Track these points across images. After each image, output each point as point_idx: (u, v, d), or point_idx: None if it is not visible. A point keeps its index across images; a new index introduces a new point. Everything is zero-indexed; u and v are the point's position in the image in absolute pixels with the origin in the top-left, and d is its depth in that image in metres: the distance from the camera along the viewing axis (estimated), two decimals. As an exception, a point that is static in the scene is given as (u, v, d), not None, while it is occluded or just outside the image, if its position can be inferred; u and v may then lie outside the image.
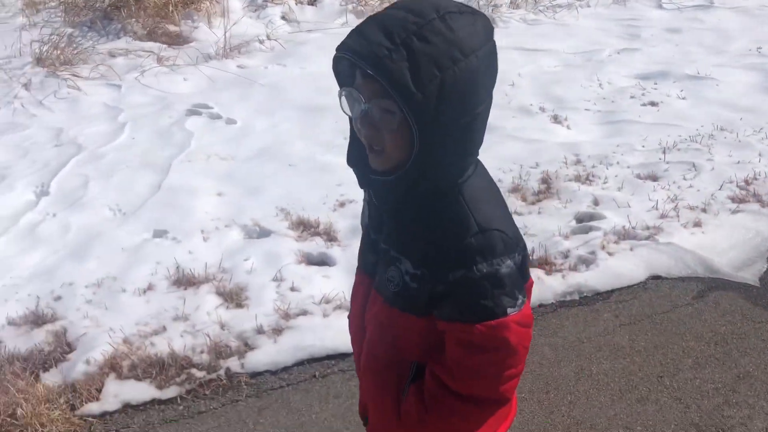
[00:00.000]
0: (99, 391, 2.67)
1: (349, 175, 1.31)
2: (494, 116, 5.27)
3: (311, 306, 3.03)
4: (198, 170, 4.16)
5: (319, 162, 4.18)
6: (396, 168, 1.16)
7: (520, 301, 1.20)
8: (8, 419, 2.53)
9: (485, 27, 1.12)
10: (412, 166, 1.12)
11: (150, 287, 3.17)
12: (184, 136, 4.57)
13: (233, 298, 3.09)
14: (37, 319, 3.00)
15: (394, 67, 1.03)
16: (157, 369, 2.74)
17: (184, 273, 3.22)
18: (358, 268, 1.46)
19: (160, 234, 3.57)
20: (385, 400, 1.37)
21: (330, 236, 3.51)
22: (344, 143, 1.32)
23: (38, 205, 3.87)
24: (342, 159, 1.44)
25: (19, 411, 2.54)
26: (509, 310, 1.18)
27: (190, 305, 3.04)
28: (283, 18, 6.67)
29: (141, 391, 2.67)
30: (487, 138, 1.22)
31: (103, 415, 2.59)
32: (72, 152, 4.41)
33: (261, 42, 6.02)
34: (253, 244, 3.48)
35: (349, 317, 1.55)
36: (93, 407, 2.61)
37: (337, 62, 1.16)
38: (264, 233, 3.57)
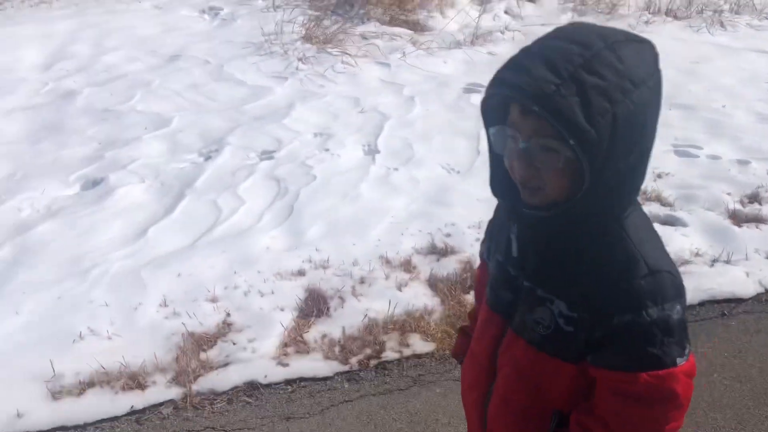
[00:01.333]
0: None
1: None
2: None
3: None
4: (506, 140, 4.57)
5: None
6: (553, 203, 1.07)
7: (687, 350, 1.10)
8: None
9: (653, 55, 1.05)
10: (576, 203, 1.04)
11: (527, 232, 3.58)
12: (475, 111, 4.99)
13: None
14: (439, 251, 3.45)
15: (564, 104, 0.96)
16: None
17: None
18: (484, 305, 1.34)
19: (502, 190, 3.99)
20: None
21: (663, 201, 3.87)
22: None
23: (375, 161, 4.36)
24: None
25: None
26: (678, 360, 1.08)
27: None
28: (506, 13, 7.12)
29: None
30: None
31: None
32: (379, 118, 4.90)
33: (502, 33, 6.45)
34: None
35: (463, 360, 1.44)
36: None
37: (489, 98, 1.08)
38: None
